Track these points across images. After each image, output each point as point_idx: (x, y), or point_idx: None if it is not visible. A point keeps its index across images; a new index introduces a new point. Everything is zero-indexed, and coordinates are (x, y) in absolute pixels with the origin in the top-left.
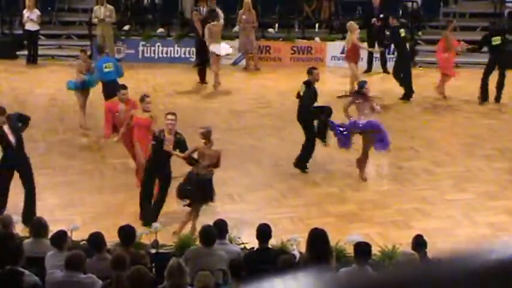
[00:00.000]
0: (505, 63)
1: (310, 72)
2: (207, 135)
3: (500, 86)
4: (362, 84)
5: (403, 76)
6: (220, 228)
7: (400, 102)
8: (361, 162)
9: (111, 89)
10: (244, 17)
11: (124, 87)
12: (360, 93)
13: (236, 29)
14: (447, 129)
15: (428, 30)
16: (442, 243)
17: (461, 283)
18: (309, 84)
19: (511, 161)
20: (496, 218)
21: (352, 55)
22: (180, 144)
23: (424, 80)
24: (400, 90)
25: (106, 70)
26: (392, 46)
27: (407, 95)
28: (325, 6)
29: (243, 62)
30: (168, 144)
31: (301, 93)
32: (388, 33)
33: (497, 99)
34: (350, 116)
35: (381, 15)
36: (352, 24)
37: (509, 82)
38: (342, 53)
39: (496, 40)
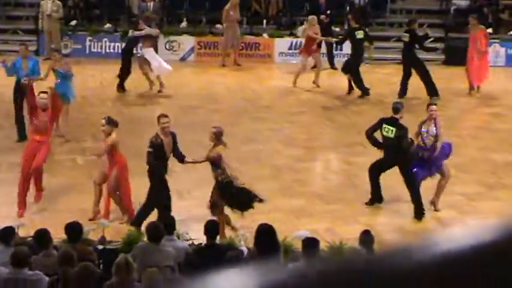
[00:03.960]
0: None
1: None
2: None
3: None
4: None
5: (354, 75)
6: (167, 225)
7: (348, 98)
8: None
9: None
10: (231, 13)
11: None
12: None
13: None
14: None
15: (375, 27)
16: (390, 239)
17: (388, 280)
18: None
19: (459, 156)
20: (442, 213)
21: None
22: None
23: (370, 76)
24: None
25: None
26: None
27: (365, 92)
28: (273, 2)
29: (191, 58)
30: (168, 148)
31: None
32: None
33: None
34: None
35: (328, 12)
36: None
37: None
38: (291, 48)
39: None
